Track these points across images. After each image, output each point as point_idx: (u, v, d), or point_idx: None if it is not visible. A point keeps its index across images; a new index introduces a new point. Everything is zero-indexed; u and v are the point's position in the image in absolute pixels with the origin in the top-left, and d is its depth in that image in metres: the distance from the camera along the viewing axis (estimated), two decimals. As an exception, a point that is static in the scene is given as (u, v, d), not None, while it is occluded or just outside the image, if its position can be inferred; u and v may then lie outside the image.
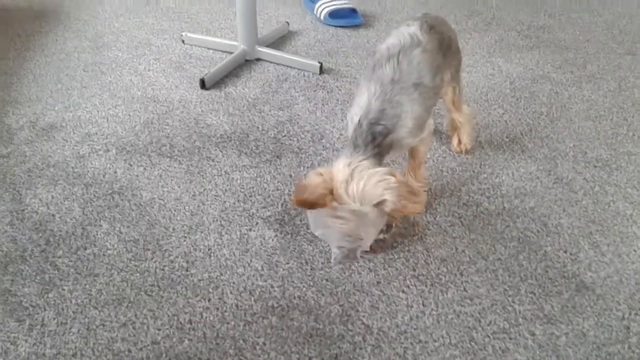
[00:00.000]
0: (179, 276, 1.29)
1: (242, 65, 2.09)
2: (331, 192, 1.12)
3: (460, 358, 1.13)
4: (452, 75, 1.46)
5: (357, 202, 1.11)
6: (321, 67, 2.03)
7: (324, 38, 2.30)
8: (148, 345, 1.15)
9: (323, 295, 1.25)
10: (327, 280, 1.28)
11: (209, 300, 1.24)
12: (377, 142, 1.20)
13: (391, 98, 1.22)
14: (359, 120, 1.22)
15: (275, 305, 1.23)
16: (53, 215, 1.44)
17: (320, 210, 1.13)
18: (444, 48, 1.36)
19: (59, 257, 1.33)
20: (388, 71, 1.25)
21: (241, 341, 1.16)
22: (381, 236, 1.33)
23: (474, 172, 1.59)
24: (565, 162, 1.63)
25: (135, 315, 1.20)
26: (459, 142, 1.64)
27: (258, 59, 2.12)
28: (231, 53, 2.09)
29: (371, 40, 2.28)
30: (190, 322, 1.19)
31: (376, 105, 1.22)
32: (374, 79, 1.25)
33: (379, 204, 1.11)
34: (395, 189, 1.11)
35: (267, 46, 2.16)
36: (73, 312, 1.21)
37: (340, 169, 1.15)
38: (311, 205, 1.11)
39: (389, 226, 1.35)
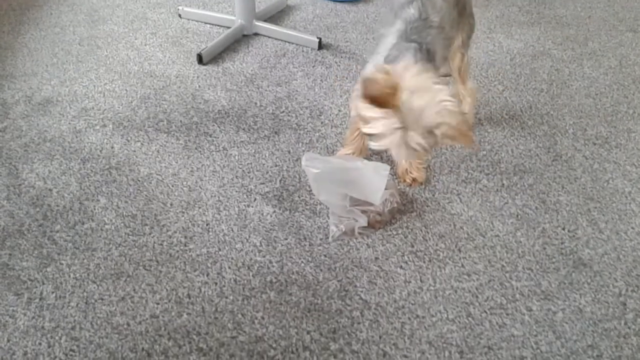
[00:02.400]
0: (178, 251, 1.29)
1: (239, 40, 2.06)
2: (393, 94, 1.04)
3: (458, 333, 1.14)
4: (463, 40, 1.44)
5: (415, 118, 1.04)
6: (320, 43, 2.01)
7: (322, 13, 2.27)
8: (147, 319, 1.15)
9: (321, 270, 1.25)
10: (325, 255, 1.28)
11: (208, 275, 1.24)
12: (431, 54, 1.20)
13: (420, 33, 1.21)
14: (398, 38, 1.21)
15: (274, 280, 1.23)
16: (50, 190, 1.43)
17: (325, 174, 1.10)
18: (460, 7, 1.36)
19: (57, 232, 1.32)
20: (414, 11, 1.24)
21: (240, 315, 1.16)
22: (380, 210, 1.34)
23: (473, 148, 1.59)
24: (564, 139, 1.63)
25: (134, 289, 1.20)
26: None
27: (256, 34, 2.10)
28: (228, 28, 2.06)
29: (370, 16, 2.25)
30: (188, 296, 1.19)
31: (410, 34, 1.21)
32: (399, 21, 1.24)
33: (435, 126, 1.05)
34: (454, 115, 1.05)
35: (265, 21, 2.13)
36: (71, 286, 1.21)
37: (408, 72, 1.07)
38: (380, 103, 1.04)
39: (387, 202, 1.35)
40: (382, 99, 1.03)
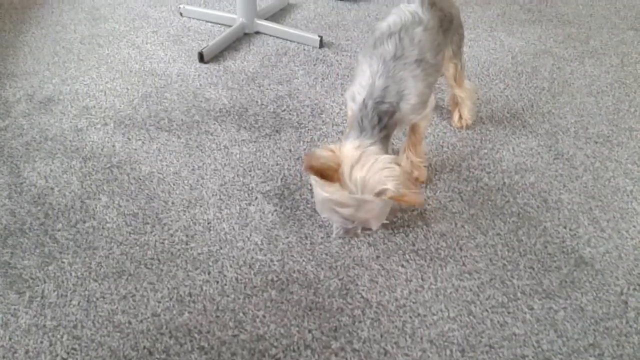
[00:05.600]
0: (179, 250, 1.29)
1: (240, 38, 2.06)
2: (337, 170, 1.11)
3: (459, 332, 1.14)
4: (453, 51, 1.44)
5: (358, 189, 1.11)
6: (321, 41, 2.01)
7: (324, 11, 2.27)
8: (148, 317, 1.15)
9: (322, 269, 1.25)
10: (326, 254, 1.28)
11: (209, 273, 1.24)
12: (384, 124, 1.19)
13: (394, 74, 1.20)
14: (364, 100, 1.20)
15: (275, 278, 1.23)
16: (52, 189, 1.43)
17: (325, 197, 1.13)
18: (445, 25, 1.34)
19: (58, 230, 1.32)
20: (390, 48, 1.23)
21: (241, 314, 1.16)
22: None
23: (474, 147, 1.58)
24: (566, 138, 1.63)
25: (135, 288, 1.21)
26: (460, 117, 1.63)
27: (257, 32, 2.10)
28: (230, 26, 2.06)
29: (372, 14, 2.25)
30: (190, 294, 1.20)
31: (380, 83, 1.20)
32: (376, 56, 1.23)
33: (379, 193, 1.10)
34: (397, 177, 1.10)
35: (266, 19, 2.13)
36: (73, 285, 1.21)
37: (349, 150, 1.14)
38: (319, 173, 1.10)
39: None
40: (325, 174, 1.10)
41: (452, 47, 1.43)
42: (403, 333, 1.13)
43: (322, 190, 1.14)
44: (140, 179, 1.46)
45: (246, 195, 1.43)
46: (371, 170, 1.11)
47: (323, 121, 1.67)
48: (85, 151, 1.55)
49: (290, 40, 2.05)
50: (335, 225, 1.31)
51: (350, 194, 1.11)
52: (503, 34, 2.14)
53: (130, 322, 1.14)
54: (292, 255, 1.28)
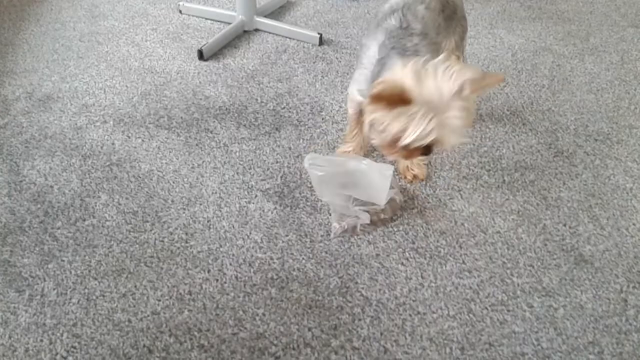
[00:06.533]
0: (179, 248, 1.29)
1: (240, 36, 2.06)
2: (403, 90, 1.03)
3: (458, 329, 1.14)
4: (456, 42, 1.44)
5: (437, 98, 1.03)
6: (321, 38, 2.01)
7: (323, 9, 2.27)
8: (148, 315, 1.15)
9: (322, 267, 1.25)
10: (326, 252, 1.28)
11: (209, 271, 1.24)
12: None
13: (401, 44, 1.20)
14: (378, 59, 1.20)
15: (275, 277, 1.23)
16: (51, 187, 1.43)
17: (329, 177, 1.10)
18: (448, 12, 1.35)
19: (58, 229, 1.32)
20: (394, 22, 1.23)
21: (241, 312, 1.16)
22: (383, 208, 1.34)
23: (474, 145, 1.58)
24: (566, 135, 1.63)
25: (135, 286, 1.21)
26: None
27: (256, 30, 2.09)
28: (229, 23, 2.05)
29: (371, 11, 2.24)
30: (190, 293, 1.20)
31: (386, 50, 1.20)
32: (380, 31, 1.24)
33: (460, 89, 1.03)
34: (465, 69, 1.04)
35: (266, 16, 2.12)
36: (73, 283, 1.21)
37: (401, 69, 1.07)
38: (395, 101, 1.03)
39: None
40: (395, 98, 1.02)
41: (454, 37, 1.42)
42: (403, 331, 1.13)
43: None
44: (139, 177, 1.46)
45: (246, 193, 1.43)
46: (440, 74, 1.04)
47: (323, 119, 1.67)
48: (85, 149, 1.55)
49: (290, 38, 2.05)
50: (333, 225, 1.32)
51: (429, 104, 1.04)
52: (503, 31, 2.14)
53: (130, 321, 1.14)
54: (292, 253, 1.28)
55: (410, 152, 1.13)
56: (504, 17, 2.24)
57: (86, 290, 1.19)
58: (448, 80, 1.03)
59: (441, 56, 1.08)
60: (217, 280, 1.22)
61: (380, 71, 1.20)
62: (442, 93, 1.03)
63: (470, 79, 1.03)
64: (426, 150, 1.12)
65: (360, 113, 1.42)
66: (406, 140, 1.06)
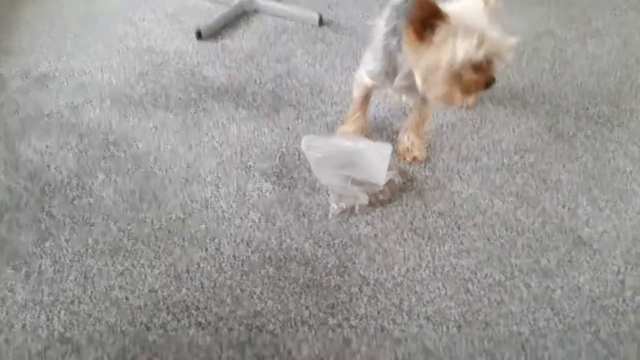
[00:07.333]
0: (176, 227, 1.28)
1: (239, 16, 2.04)
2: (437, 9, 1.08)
3: (456, 309, 1.14)
4: None
5: (469, 12, 1.12)
6: (320, 19, 1.99)
7: (323, -10, 2.24)
8: (146, 293, 1.15)
9: (320, 247, 1.25)
10: (324, 232, 1.28)
11: (206, 250, 1.24)
12: None
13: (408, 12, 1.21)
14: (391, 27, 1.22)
15: (273, 256, 1.23)
16: (48, 165, 1.42)
17: (327, 159, 1.10)
18: None
19: (55, 207, 1.32)
20: None
21: (238, 290, 1.16)
22: (381, 188, 1.33)
23: (474, 127, 1.57)
24: (566, 118, 1.62)
25: (133, 264, 1.20)
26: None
27: (256, 10, 2.07)
28: (228, 4, 2.03)
29: (372, -7, 2.21)
30: (187, 271, 1.19)
31: (396, 20, 1.21)
32: (386, 9, 1.27)
33: (486, 2, 1.16)
34: None
35: (265, -3, 2.10)
36: (70, 261, 1.20)
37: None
38: (430, 17, 1.07)
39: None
40: (431, 14, 1.05)
41: None
42: (400, 310, 1.13)
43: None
44: (137, 156, 1.45)
45: (244, 173, 1.42)
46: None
47: (322, 100, 1.65)
48: (82, 128, 1.54)
49: (289, 19, 2.03)
50: (331, 205, 1.31)
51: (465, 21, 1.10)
52: (505, 15, 2.11)
53: (127, 298, 1.14)
54: (290, 233, 1.28)
55: (473, 82, 1.16)
56: (506, 1, 2.21)
57: (83, 268, 1.19)
58: None
59: None
60: (214, 259, 1.22)
61: (392, 40, 1.21)
62: (473, 9, 1.11)
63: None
64: (487, 76, 1.18)
65: (365, 97, 1.42)
66: (459, 56, 1.09)
